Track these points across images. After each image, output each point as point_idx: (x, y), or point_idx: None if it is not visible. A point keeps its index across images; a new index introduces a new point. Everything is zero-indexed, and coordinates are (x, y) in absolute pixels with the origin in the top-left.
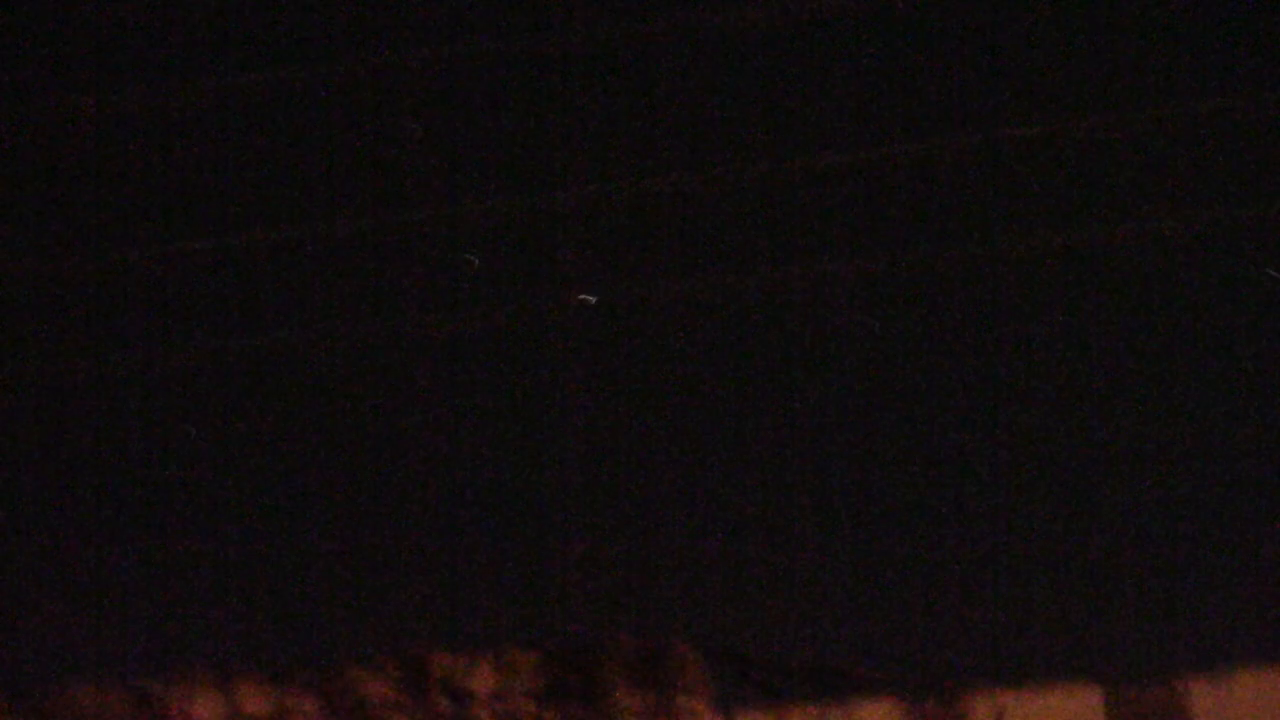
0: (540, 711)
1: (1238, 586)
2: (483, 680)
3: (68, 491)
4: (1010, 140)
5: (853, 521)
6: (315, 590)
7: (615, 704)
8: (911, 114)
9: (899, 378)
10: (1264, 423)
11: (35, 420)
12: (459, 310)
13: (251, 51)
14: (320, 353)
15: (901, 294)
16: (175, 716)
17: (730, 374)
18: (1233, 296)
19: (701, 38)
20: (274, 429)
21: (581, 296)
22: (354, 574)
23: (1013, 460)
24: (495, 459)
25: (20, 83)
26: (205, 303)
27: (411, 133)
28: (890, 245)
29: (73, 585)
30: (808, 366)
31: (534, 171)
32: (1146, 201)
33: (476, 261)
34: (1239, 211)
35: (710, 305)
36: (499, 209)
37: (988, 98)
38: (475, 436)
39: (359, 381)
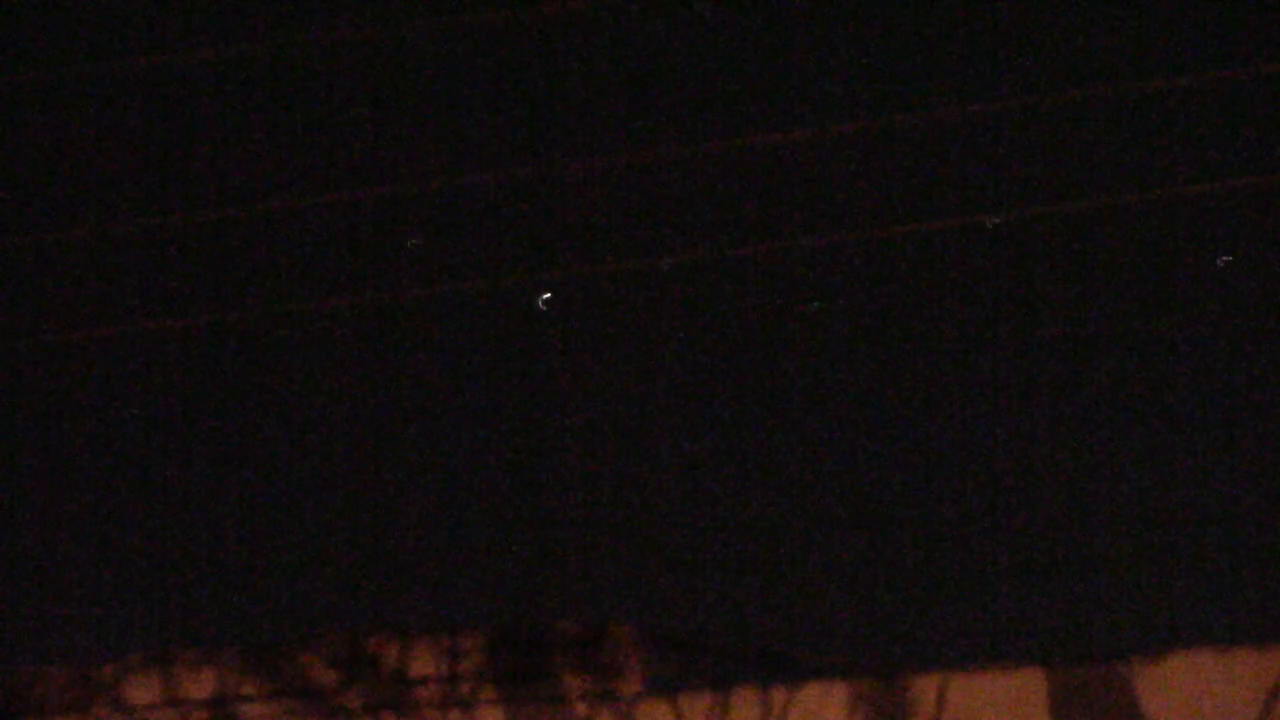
0: (482, 694)
1: (1176, 569)
2: (425, 663)
3: (7, 474)
4: (978, 115)
5: (797, 509)
6: (256, 571)
7: (558, 687)
8: (892, 87)
9: (857, 360)
10: (1205, 406)
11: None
12: (387, 293)
13: (213, 25)
14: (278, 330)
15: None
16: (113, 699)
17: (682, 356)
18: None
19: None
20: (220, 408)
21: (543, 297)
22: (297, 557)
23: (954, 447)
24: (439, 444)
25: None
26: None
27: (360, 114)
28: (886, 223)
29: (8, 567)
30: (764, 349)
31: (497, 145)
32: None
33: (418, 241)
34: (1199, 187)
35: (663, 285)
36: (464, 185)
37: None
38: (420, 422)
39: (305, 360)
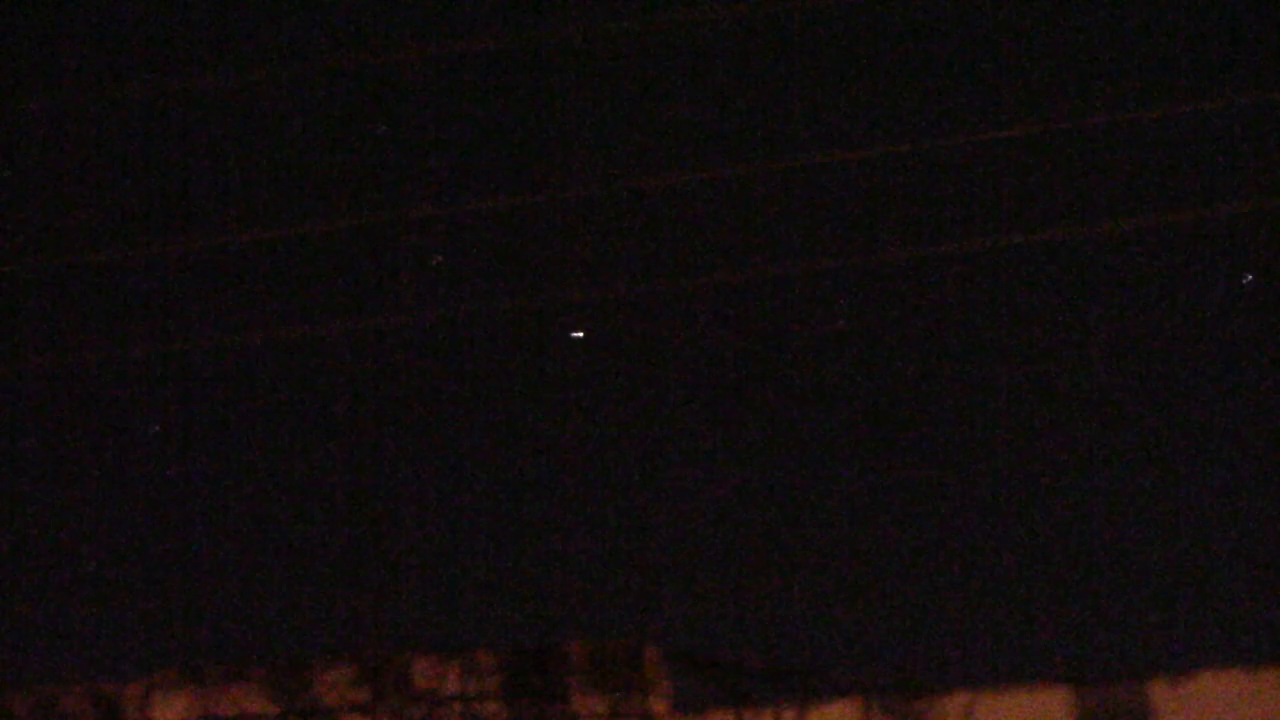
0: (501, 712)
1: (1202, 589)
2: (444, 682)
3: (27, 489)
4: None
5: (816, 523)
6: (276, 591)
7: (576, 705)
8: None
9: (881, 378)
10: (1236, 426)
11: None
12: (414, 313)
13: (232, 51)
14: (291, 351)
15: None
16: (134, 717)
17: (689, 373)
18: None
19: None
20: (242, 426)
21: (574, 334)
22: (315, 576)
23: (979, 462)
24: (459, 464)
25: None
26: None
27: (385, 131)
28: (883, 236)
29: (31, 585)
30: (784, 368)
31: (514, 168)
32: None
33: (440, 258)
34: (1221, 208)
35: (672, 304)
36: (479, 208)
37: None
38: (436, 442)
39: (326, 380)
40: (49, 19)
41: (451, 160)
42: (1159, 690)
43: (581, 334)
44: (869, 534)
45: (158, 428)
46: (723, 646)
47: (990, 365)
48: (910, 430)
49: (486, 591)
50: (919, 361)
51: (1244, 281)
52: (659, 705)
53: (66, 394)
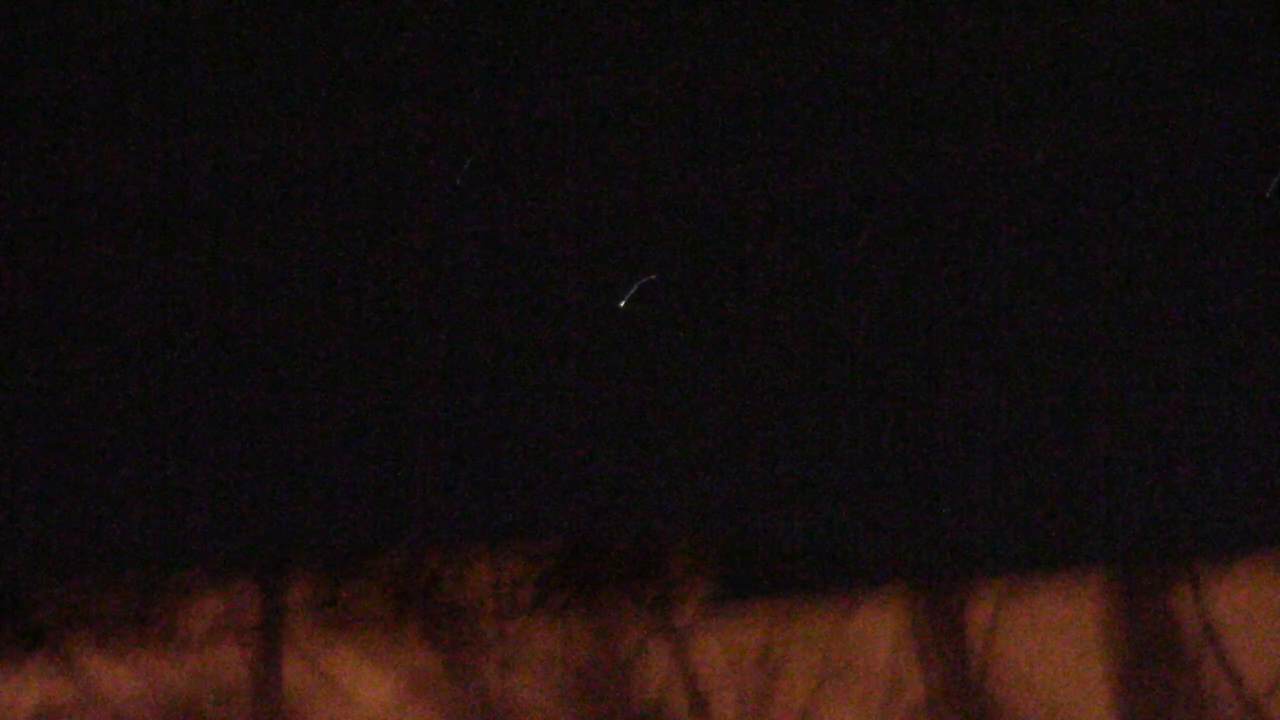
0: (538, 601)
1: (1241, 471)
2: (478, 577)
3: (64, 391)
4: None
5: (852, 410)
6: (309, 490)
7: (612, 594)
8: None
9: (893, 276)
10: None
11: (31, 321)
12: (456, 223)
13: None
14: (316, 264)
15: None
16: (168, 618)
17: (726, 269)
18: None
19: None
20: (268, 332)
21: (645, 279)
22: (349, 475)
23: (1017, 347)
24: (491, 360)
25: None
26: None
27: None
28: (888, 156)
29: (66, 485)
30: (803, 267)
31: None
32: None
33: (463, 175)
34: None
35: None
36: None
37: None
38: (472, 338)
39: (349, 285)
40: None
41: (474, 74)
42: (1197, 571)
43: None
44: (908, 419)
45: (190, 335)
46: (760, 538)
47: (1017, 264)
48: (954, 317)
49: (527, 486)
50: (947, 260)
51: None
52: (697, 595)
53: (100, 300)
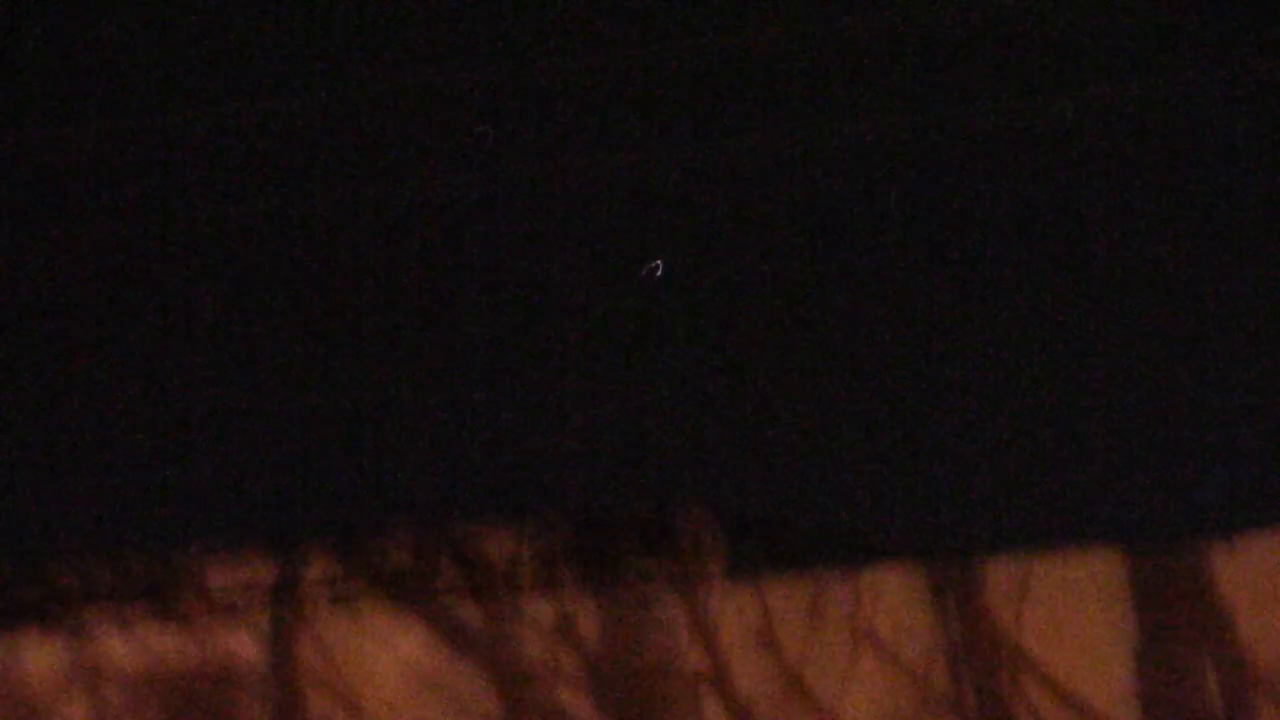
0: (553, 574)
1: (1252, 450)
2: (498, 546)
3: (79, 372)
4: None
5: (868, 388)
6: (321, 465)
7: (629, 567)
8: None
9: (902, 243)
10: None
11: (42, 293)
12: (464, 177)
13: None
14: (325, 219)
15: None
16: (192, 585)
17: (737, 239)
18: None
19: None
20: (282, 298)
21: (652, 264)
22: (361, 450)
23: (1034, 324)
24: (505, 328)
25: None
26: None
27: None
28: (891, 112)
29: (81, 461)
30: (812, 235)
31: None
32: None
33: (490, 132)
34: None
35: (710, 173)
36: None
37: None
38: (485, 305)
39: (365, 248)
40: None
41: (499, 27)
42: (1213, 551)
43: (659, 264)
44: (921, 395)
45: (206, 297)
46: (776, 510)
47: (1027, 232)
48: (968, 293)
49: (542, 459)
50: (981, 227)
51: None
52: (712, 569)
53: (110, 269)
